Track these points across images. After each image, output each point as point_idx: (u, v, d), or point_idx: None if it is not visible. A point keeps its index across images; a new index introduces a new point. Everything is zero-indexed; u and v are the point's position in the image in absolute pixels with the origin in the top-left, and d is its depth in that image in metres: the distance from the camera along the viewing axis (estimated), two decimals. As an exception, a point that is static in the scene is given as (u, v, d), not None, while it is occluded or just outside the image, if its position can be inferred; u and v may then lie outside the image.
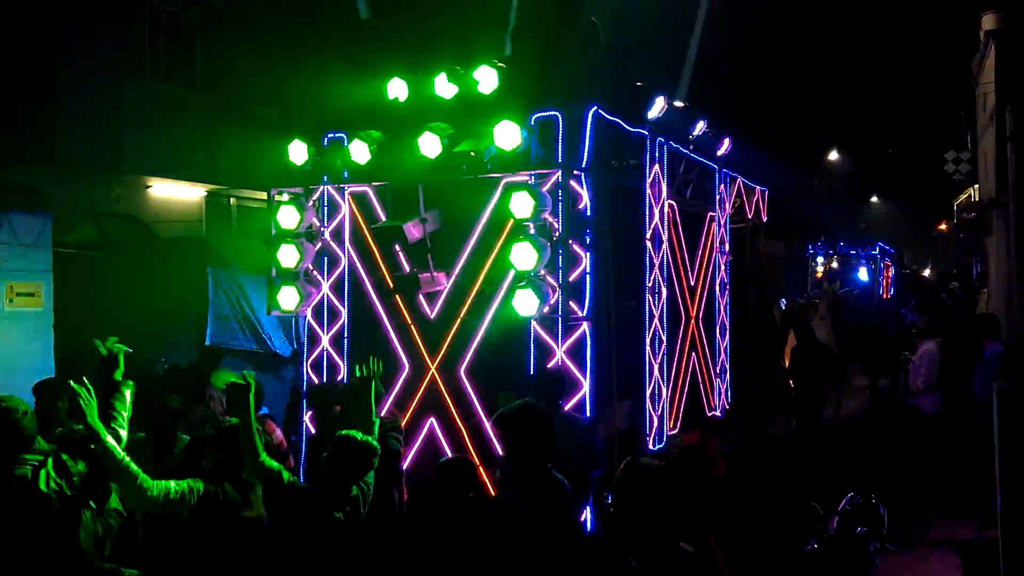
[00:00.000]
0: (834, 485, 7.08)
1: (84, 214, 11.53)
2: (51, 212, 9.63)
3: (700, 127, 7.27)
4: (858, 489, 5.28)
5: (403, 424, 5.91)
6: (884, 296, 24.43)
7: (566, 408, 5.44)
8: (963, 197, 19.09)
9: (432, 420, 6.07)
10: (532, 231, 5.39)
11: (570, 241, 5.53)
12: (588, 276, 5.67)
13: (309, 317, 6.49)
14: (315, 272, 6.45)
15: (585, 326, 5.63)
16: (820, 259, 23.31)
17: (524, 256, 5.31)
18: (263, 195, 13.73)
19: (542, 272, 5.38)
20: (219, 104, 13.19)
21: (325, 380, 6.38)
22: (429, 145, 5.66)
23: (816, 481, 8.09)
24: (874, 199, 34.16)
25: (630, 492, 2.61)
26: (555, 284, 5.47)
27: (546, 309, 5.40)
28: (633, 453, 6.06)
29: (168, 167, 12.46)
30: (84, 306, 9.67)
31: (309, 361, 6.52)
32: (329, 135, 6.19)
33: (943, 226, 30.00)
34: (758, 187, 9.41)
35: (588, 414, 5.60)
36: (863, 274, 25.51)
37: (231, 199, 13.65)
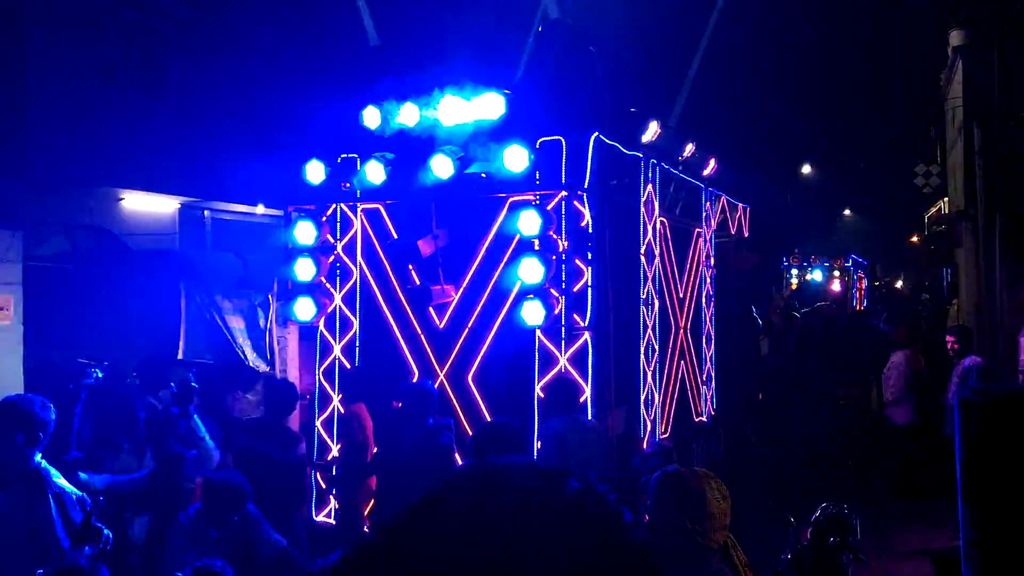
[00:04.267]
0: (808, 495, 7.89)
1: (56, 227, 12.00)
2: (21, 225, 10.11)
3: (689, 149, 8.20)
4: (832, 499, 5.97)
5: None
6: (858, 308, 25.82)
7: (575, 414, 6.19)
8: (933, 210, 20.39)
9: (441, 425, 6.83)
10: (538, 247, 6.24)
11: (573, 256, 6.39)
12: (590, 288, 6.51)
13: (321, 327, 7.25)
14: (328, 285, 7.21)
15: (587, 335, 6.47)
16: (794, 271, 24.63)
17: (531, 270, 6.15)
18: (238, 207, 14.39)
19: (547, 285, 6.22)
20: (192, 117, 13.78)
21: (336, 388, 7.12)
22: (441, 167, 6.47)
23: (789, 491, 8.94)
24: (847, 212, 35.80)
25: (669, 499, 2.79)
26: (559, 296, 6.31)
27: (551, 319, 6.24)
28: (629, 456, 6.90)
29: (141, 179, 12.99)
30: (55, 320, 10.14)
31: (321, 369, 7.28)
32: (343, 155, 6.97)
33: (914, 239, 31.58)
34: (740, 204, 10.42)
35: (589, 419, 6.41)
36: (835, 286, 26.90)
37: (205, 211, 14.21)
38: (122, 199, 13.10)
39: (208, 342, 10.96)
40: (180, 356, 10.63)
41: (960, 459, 4.09)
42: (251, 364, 10.89)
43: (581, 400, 6.28)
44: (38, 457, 4.22)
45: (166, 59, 13.58)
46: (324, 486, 7.09)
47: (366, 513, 6.42)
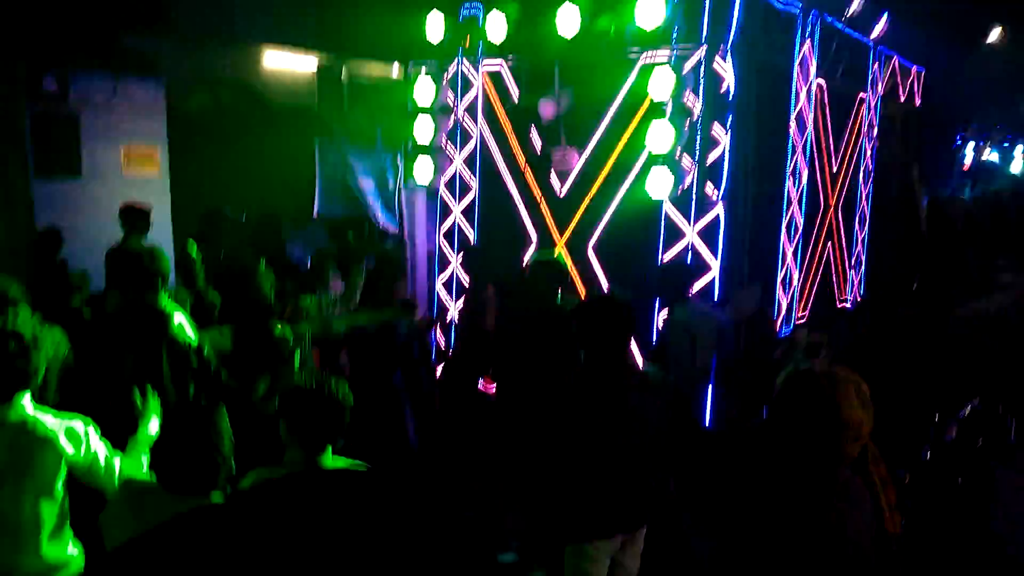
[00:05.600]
0: (963, 389, 7.16)
1: (197, 81, 12.23)
2: (164, 78, 10.27)
3: (858, 0, 7.15)
4: (986, 395, 5.24)
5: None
6: (1041, 191, 23.25)
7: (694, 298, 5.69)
8: None
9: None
10: (670, 111, 5.64)
11: (710, 122, 5.77)
12: (727, 158, 5.89)
13: (443, 189, 7.04)
14: (449, 146, 6.93)
15: (720, 208, 5.91)
16: (971, 146, 22.27)
17: (661, 136, 5.57)
18: (374, 66, 14.20)
19: (678, 153, 5.66)
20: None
21: (457, 250, 6.96)
22: (568, 21, 5.88)
23: (940, 381, 8.19)
24: (1040, 81, 31.54)
25: (798, 403, 2.37)
26: (691, 165, 5.75)
27: (680, 191, 5.72)
28: (759, 337, 6.43)
29: (278, 34, 12.94)
30: (199, 172, 10.43)
31: (442, 232, 7.13)
32: (465, 8, 6.49)
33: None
34: (914, 67, 9.17)
35: (716, 297, 5.96)
36: (1017, 166, 24.27)
37: (342, 70, 14.11)
38: (261, 55, 13.15)
39: (342, 201, 11.08)
40: (315, 214, 10.81)
41: None
42: (381, 224, 10.96)
43: (705, 281, 5.83)
44: (164, 302, 4.29)
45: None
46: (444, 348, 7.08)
47: (489, 389, 6.35)
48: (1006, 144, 24.71)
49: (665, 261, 5.92)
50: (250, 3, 12.41)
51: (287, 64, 13.51)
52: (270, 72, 13.32)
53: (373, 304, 5.73)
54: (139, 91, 10.08)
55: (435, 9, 6.41)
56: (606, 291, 6.23)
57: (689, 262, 5.90)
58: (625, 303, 3.69)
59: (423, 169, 6.69)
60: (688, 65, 5.69)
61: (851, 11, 7.28)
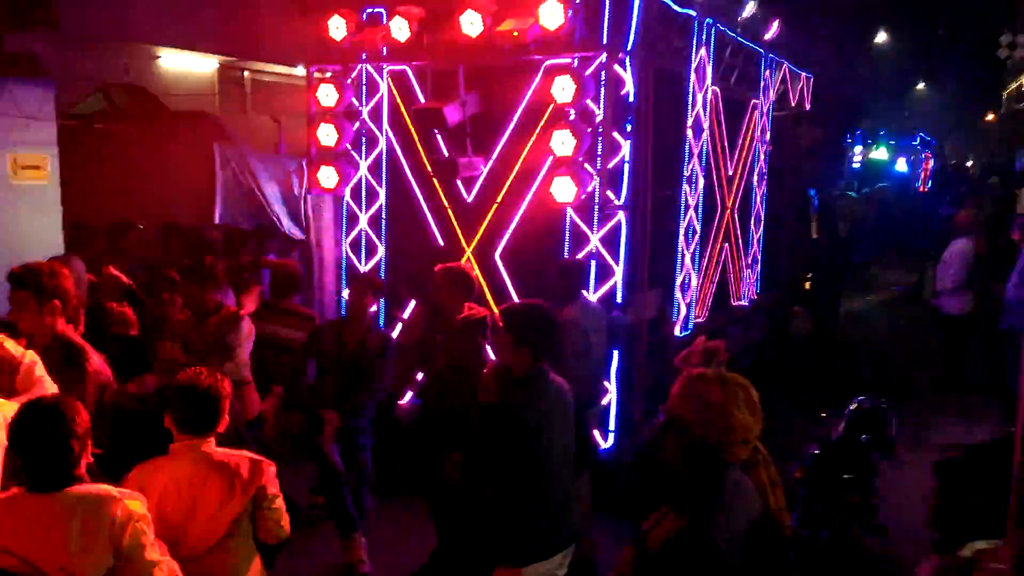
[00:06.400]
0: (848, 386, 7.46)
1: (92, 84, 11.68)
2: (55, 82, 9.77)
3: (751, 8, 7.35)
4: (871, 392, 5.41)
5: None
6: (921, 189, 24.57)
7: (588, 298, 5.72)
8: (1013, 86, 18.86)
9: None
10: (572, 117, 5.68)
11: (611, 128, 5.83)
12: (627, 164, 5.97)
13: (347, 198, 6.87)
14: (353, 152, 6.79)
15: (621, 215, 5.98)
16: (859, 148, 23.32)
17: (563, 143, 5.59)
18: (278, 68, 13.85)
19: (581, 159, 5.70)
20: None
21: (364, 262, 6.82)
22: (471, 23, 5.86)
23: (830, 382, 8.56)
24: (920, 86, 33.19)
25: (688, 406, 2.43)
26: (593, 171, 5.80)
27: (583, 196, 5.75)
28: (660, 340, 6.56)
29: (177, 36, 12.48)
30: (92, 179, 9.94)
31: (348, 241, 6.97)
32: (368, 10, 6.38)
33: (990, 116, 29.61)
34: (803, 73, 9.52)
35: (619, 301, 6.04)
36: (901, 165, 25.56)
37: (245, 72, 13.73)
38: (159, 57, 12.65)
39: (244, 207, 10.71)
40: (216, 221, 10.44)
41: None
42: (286, 231, 10.66)
43: (608, 286, 5.89)
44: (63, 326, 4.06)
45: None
46: None
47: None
48: (892, 142, 26.01)
49: (561, 261, 5.91)
50: (146, 3, 11.93)
51: (186, 66, 13.05)
52: (168, 75, 12.84)
53: (267, 318, 5.53)
54: (26, 95, 9.51)
55: (337, 13, 6.27)
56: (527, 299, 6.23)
57: (593, 267, 5.95)
58: (550, 310, 3.69)
59: (327, 175, 6.55)
60: (589, 70, 5.73)
61: (743, 17, 7.50)
